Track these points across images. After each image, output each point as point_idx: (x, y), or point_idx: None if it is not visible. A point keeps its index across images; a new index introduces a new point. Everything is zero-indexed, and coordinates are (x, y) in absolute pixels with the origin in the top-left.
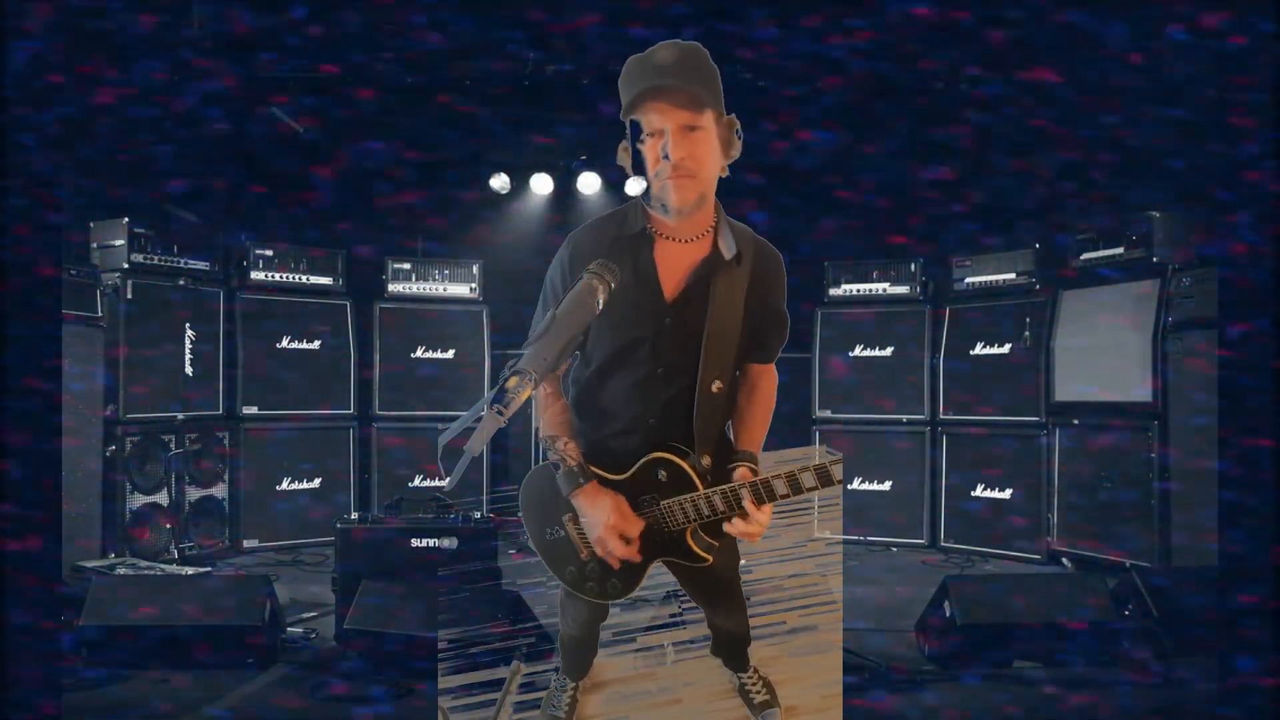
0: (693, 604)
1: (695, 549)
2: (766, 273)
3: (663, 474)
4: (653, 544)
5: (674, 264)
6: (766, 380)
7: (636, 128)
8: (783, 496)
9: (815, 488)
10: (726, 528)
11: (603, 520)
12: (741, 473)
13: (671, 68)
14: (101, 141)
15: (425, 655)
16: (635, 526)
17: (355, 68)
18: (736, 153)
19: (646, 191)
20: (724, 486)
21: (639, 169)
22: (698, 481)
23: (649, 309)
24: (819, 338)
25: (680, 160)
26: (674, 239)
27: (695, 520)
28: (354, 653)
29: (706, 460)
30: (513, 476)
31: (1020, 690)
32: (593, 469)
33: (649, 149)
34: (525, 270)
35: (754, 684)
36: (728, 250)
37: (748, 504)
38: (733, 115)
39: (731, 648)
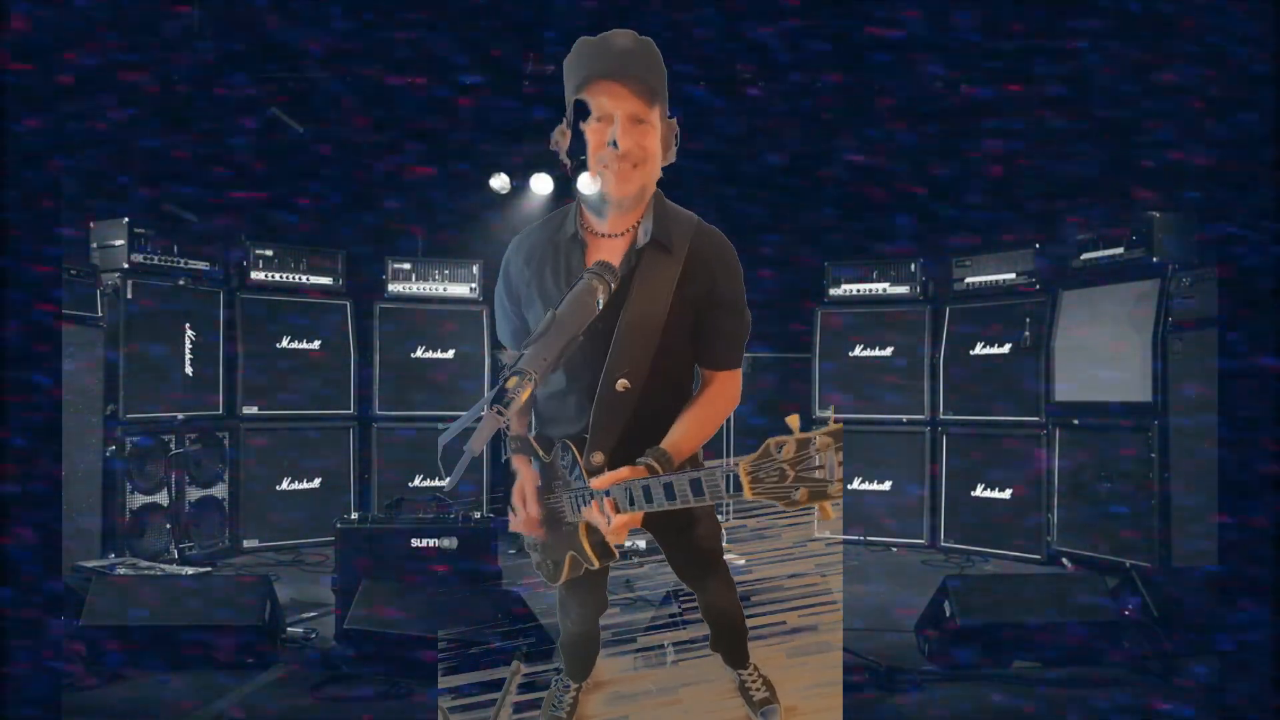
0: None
1: (585, 547)
2: (706, 261)
3: (563, 464)
4: (561, 536)
5: None
6: (717, 388)
7: (581, 109)
8: (652, 509)
9: (705, 496)
10: (585, 514)
11: (515, 489)
12: (620, 473)
13: (629, 55)
14: (102, 141)
15: (425, 655)
16: (531, 508)
17: (355, 67)
18: (673, 157)
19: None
20: (584, 487)
21: (577, 152)
22: (585, 477)
23: None
24: (819, 338)
25: (628, 150)
26: (606, 235)
27: (575, 517)
28: (354, 653)
29: (599, 458)
30: (512, 477)
31: (1020, 690)
32: (534, 443)
33: (594, 132)
34: None
35: (754, 682)
36: (643, 236)
37: (606, 506)
38: (675, 119)
39: (728, 637)
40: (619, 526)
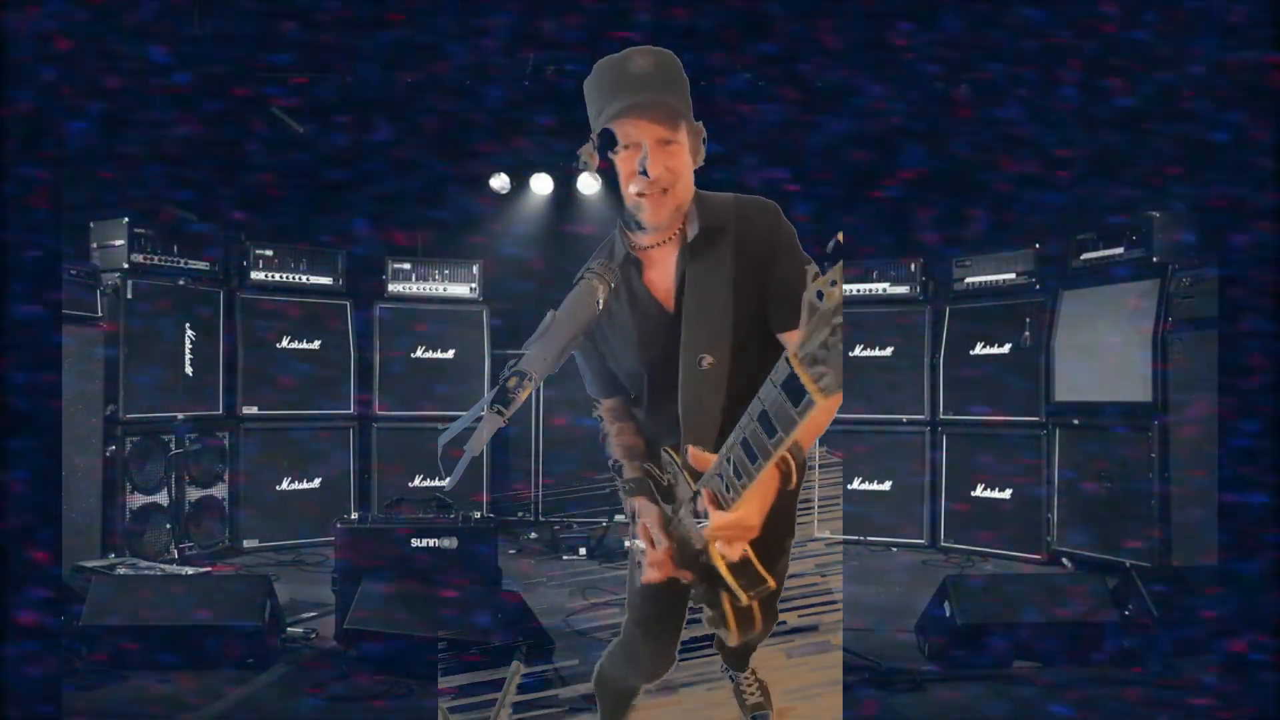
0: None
1: (724, 573)
2: (753, 225)
3: (668, 478)
4: (708, 574)
5: (664, 274)
6: None
7: (608, 136)
8: (747, 483)
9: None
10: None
11: (639, 528)
12: (710, 456)
13: (649, 79)
14: (102, 140)
15: (425, 655)
16: (659, 542)
17: (356, 68)
18: (701, 160)
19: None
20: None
21: (599, 174)
22: (689, 480)
23: (663, 330)
24: None
25: (658, 176)
26: (655, 246)
27: (701, 541)
28: (354, 653)
29: (696, 455)
30: (513, 476)
31: (1020, 690)
32: (650, 471)
33: (623, 161)
34: (525, 270)
35: (749, 685)
36: (691, 230)
37: (704, 501)
38: (700, 123)
39: (739, 652)
40: (720, 529)
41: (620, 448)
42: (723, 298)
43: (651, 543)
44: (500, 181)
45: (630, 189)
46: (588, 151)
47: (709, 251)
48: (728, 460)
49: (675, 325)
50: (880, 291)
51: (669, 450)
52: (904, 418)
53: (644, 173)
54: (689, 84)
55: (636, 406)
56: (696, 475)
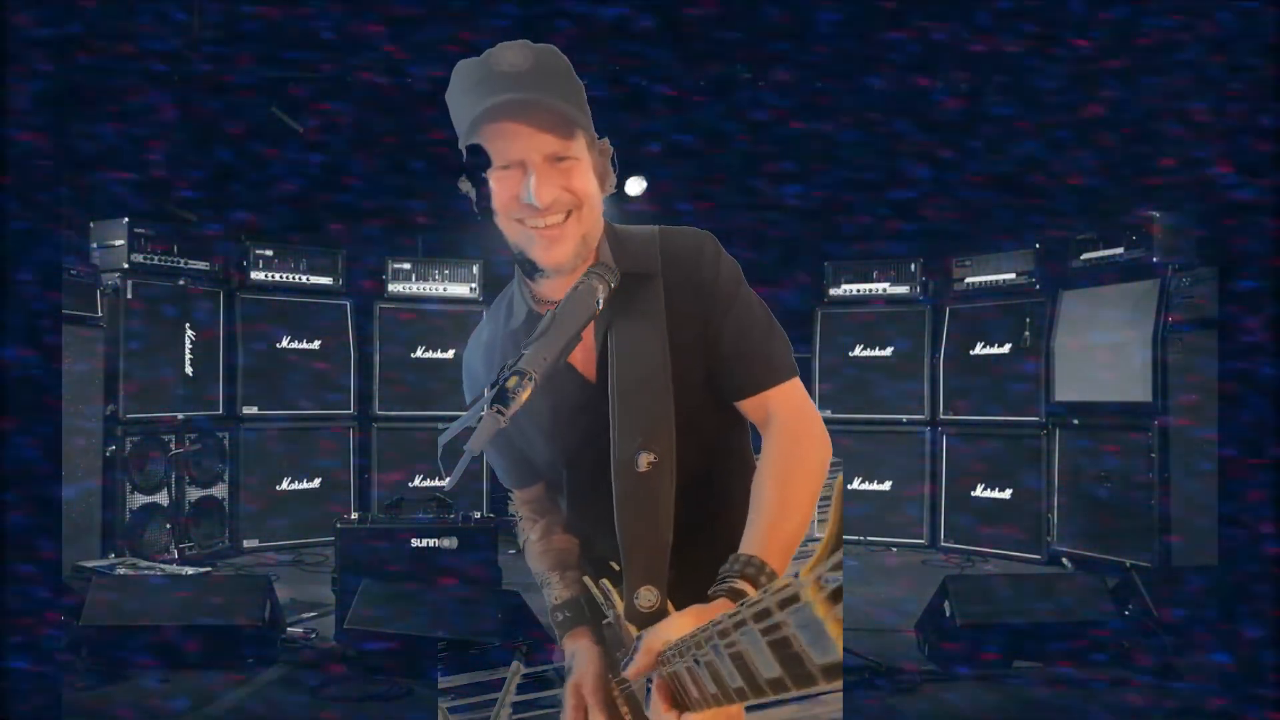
0: None
1: None
2: (684, 267)
3: (609, 619)
4: None
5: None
6: (785, 420)
7: (478, 155)
8: (744, 699)
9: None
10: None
11: (569, 686)
12: (672, 625)
13: (527, 76)
14: (103, 141)
15: (425, 655)
16: (597, 703)
17: (354, 66)
18: (611, 186)
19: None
20: (625, 672)
21: (484, 207)
22: (627, 630)
23: (586, 409)
24: (819, 338)
25: (551, 203)
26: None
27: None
28: (354, 653)
29: (650, 597)
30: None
31: (1020, 690)
32: (596, 589)
33: (500, 184)
34: None
35: None
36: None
37: (656, 701)
38: (605, 140)
39: None
40: None
41: (548, 555)
42: (658, 365)
43: (582, 712)
44: None
45: (509, 218)
46: (464, 183)
47: (635, 304)
48: (697, 661)
49: (600, 402)
50: (880, 291)
51: (608, 584)
52: (904, 418)
53: (531, 202)
54: (583, 88)
55: (561, 496)
56: (644, 620)
